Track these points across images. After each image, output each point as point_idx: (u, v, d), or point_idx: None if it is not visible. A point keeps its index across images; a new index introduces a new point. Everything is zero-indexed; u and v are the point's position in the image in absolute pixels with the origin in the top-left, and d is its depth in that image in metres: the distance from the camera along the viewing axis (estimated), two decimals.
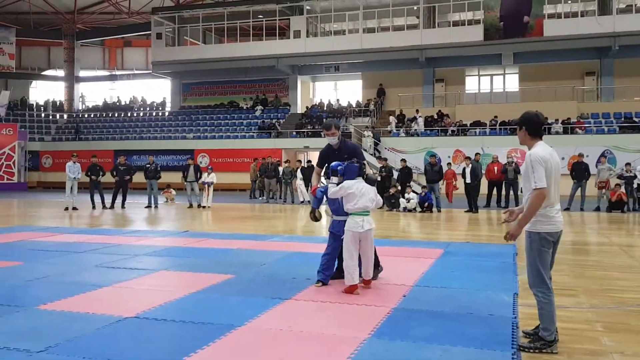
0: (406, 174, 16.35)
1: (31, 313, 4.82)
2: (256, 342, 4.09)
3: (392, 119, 26.57)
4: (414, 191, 16.09)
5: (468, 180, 15.34)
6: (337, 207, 5.78)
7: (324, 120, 27.57)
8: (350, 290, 5.54)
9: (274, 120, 28.90)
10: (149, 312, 4.85)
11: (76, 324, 4.48)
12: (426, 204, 15.18)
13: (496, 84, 29.11)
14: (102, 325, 4.44)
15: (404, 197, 15.56)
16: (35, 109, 35.36)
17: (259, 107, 30.72)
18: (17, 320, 4.60)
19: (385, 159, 17.84)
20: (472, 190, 15.23)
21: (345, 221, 5.62)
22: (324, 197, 5.82)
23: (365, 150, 23.89)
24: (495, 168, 16.33)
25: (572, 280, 6.35)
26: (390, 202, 15.69)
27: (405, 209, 15.31)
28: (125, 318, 4.66)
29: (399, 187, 16.09)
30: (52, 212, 15.40)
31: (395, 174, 17.73)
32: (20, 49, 37.79)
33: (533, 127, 4.11)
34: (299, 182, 18.66)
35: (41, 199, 21.09)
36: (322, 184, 5.78)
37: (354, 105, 29.43)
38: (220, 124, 30.49)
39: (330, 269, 5.94)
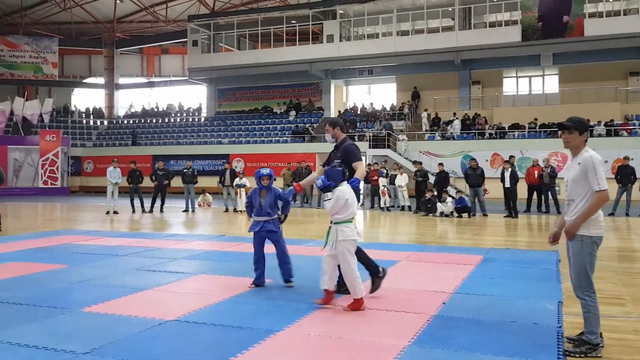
0: (443, 178, 16.14)
1: (76, 315, 4.94)
2: (296, 348, 4.08)
3: (424, 115, 26.25)
4: (450, 195, 15.86)
5: (507, 184, 15.05)
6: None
7: (357, 124, 27.64)
8: (359, 304, 5.12)
9: (307, 125, 28.99)
10: (189, 315, 4.90)
11: (119, 327, 4.56)
12: (458, 206, 14.96)
13: (535, 85, 28.53)
14: (144, 328, 4.51)
15: (440, 201, 15.36)
16: (77, 116, 36.37)
17: (293, 112, 30.88)
18: (62, 322, 4.72)
19: (420, 163, 17.65)
20: (511, 195, 14.93)
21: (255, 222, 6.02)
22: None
23: (400, 154, 23.76)
24: (536, 172, 15.98)
25: (620, 289, 6.14)
26: (427, 207, 15.51)
27: (442, 213, 15.12)
28: (166, 321, 4.72)
29: (435, 192, 15.89)
30: (93, 216, 15.78)
31: (432, 178, 17.52)
32: (63, 57, 38.92)
33: (586, 131, 4.11)
34: None
35: (83, 203, 21.64)
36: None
37: (388, 109, 29.29)
38: (255, 128, 30.77)
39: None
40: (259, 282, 6.14)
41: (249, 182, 17.43)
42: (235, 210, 16.98)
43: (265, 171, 6.27)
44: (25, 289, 5.93)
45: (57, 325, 4.60)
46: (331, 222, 5.25)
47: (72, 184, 30.69)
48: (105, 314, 4.97)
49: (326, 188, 5.16)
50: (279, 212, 6.33)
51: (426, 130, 25.96)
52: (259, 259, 6.19)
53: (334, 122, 5.95)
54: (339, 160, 5.62)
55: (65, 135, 30.65)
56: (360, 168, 5.61)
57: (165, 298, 5.62)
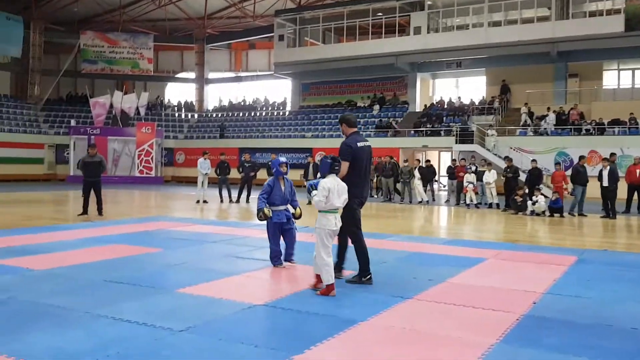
0: (536, 175, 15.46)
1: (171, 295, 5.23)
2: (379, 339, 4.10)
3: (523, 109, 25.19)
4: (542, 194, 15.18)
5: (605, 183, 14.20)
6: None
7: (444, 117, 27.06)
8: (328, 290, 5.29)
9: (391, 119, 28.75)
10: (276, 301, 5.06)
11: (211, 308, 4.79)
12: (552, 206, 14.29)
13: (639, 79, 26.63)
14: (234, 311, 4.71)
15: (531, 200, 14.75)
16: (170, 109, 38.17)
17: (377, 106, 30.72)
18: (160, 301, 5.01)
19: (511, 159, 16.97)
20: (609, 194, 14.08)
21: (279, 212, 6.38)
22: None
23: (489, 150, 23.03)
24: (637, 171, 14.96)
25: None
26: (517, 205, 14.95)
27: (533, 212, 14.52)
28: (255, 305, 4.90)
29: (527, 190, 15.27)
30: (184, 204, 16.55)
31: (523, 176, 16.85)
32: (157, 53, 40.90)
33: None
34: (417, 182, 18.39)
35: (175, 192, 22.72)
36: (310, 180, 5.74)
37: (477, 103, 28.43)
38: (338, 123, 30.82)
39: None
40: (279, 263, 6.57)
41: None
42: None
43: (283, 159, 6.60)
44: (125, 270, 6.36)
45: (155, 304, 4.90)
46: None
47: (165, 173, 32.27)
48: (198, 295, 5.23)
49: (311, 188, 5.44)
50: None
51: (522, 126, 24.90)
52: (277, 253, 6.59)
53: (342, 118, 6.15)
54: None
55: (159, 128, 32.24)
56: (342, 169, 5.61)
57: (254, 284, 5.82)
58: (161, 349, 3.73)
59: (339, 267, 5.94)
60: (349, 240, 5.96)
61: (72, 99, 37.33)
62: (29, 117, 33.39)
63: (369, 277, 5.83)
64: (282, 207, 6.49)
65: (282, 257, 6.62)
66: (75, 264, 6.58)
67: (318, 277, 5.47)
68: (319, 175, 6.79)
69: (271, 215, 6.41)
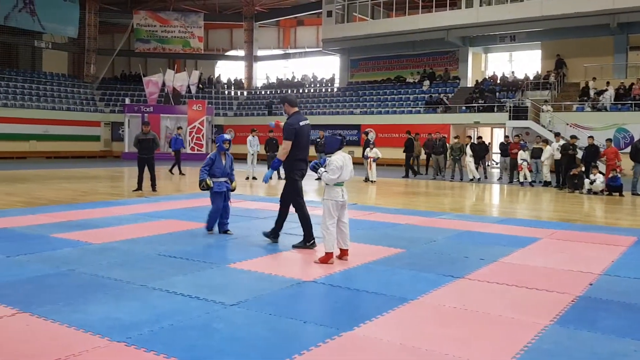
0: (592, 152, 14.86)
1: (223, 270, 5.34)
2: (431, 317, 4.06)
3: (591, 84, 24.10)
4: (600, 172, 14.60)
5: None
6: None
7: (496, 92, 26.29)
8: (327, 258, 5.57)
9: (442, 95, 28.17)
10: (325, 278, 5.08)
11: (261, 283, 4.86)
12: (611, 184, 13.71)
13: None
14: (284, 286, 4.77)
15: (588, 177, 14.22)
16: (220, 87, 38.63)
17: (427, 82, 30.13)
18: (212, 275, 5.13)
19: (575, 137, 16.23)
20: None
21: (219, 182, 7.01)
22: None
23: (544, 126, 22.27)
24: None
25: None
26: (573, 183, 14.45)
27: (589, 191, 14.01)
28: (305, 281, 4.94)
29: (583, 167, 14.72)
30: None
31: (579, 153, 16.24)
32: (207, 32, 41.29)
33: None
34: (469, 159, 18.01)
35: None
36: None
37: (531, 78, 27.45)
38: (387, 99, 30.53)
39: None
40: (211, 227, 7.24)
41: (380, 153, 17.44)
42: (366, 180, 17.10)
43: (227, 136, 7.29)
44: (177, 244, 6.52)
45: (206, 278, 5.01)
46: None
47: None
48: (248, 270, 5.32)
49: (314, 168, 5.76)
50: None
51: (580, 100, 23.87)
52: (218, 211, 7.13)
53: (283, 98, 6.57)
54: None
55: (210, 105, 32.70)
56: (282, 147, 6.24)
57: (303, 260, 5.86)
58: (213, 322, 3.81)
59: (276, 233, 6.61)
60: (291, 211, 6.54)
61: (126, 78, 38.33)
62: (85, 96, 34.50)
63: (312, 242, 6.35)
64: (222, 179, 7.17)
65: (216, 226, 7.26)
66: (130, 239, 6.80)
67: (341, 250, 5.78)
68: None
69: (212, 185, 7.06)
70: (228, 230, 7.25)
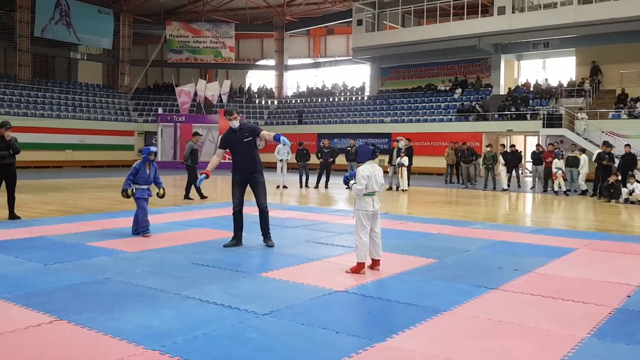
0: (630, 161, 14.49)
1: (255, 279, 5.37)
2: (464, 329, 4.01)
3: None
4: (638, 181, 14.21)
5: None
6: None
7: (529, 100, 25.89)
8: (358, 268, 5.58)
9: (474, 103, 27.88)
10: (357, 288, 5.06)
11: (293, 292, 4.87)
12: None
13: None
14: (315, 296, 4.77)
15: (625, 186, 13.87)
16: (250, 96, 39.03)
17: (459, 89, 29.87)
18: (244, 285, 5.16)
19: (611, 145, 15.84)
20: None
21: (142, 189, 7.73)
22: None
23: (579, 134, 21.82)
24: None
25: None
26: (609, 192, 14.11)
27: (627, 200, 13.65)
28: (336, 291, 4.93)
29: (619, 176, 14.36)
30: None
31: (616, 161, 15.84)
32: (239, 42, 41.81)
33: None
34: (501, 168, 17.75)
35: None
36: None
37: (565, 85, 26.95)
38: (418, 107, 30.36)
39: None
40: (141, 232, 7.71)
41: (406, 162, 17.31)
42: (397, 189, 17.00)
43: (153, 149, 8.02)
44: (210, 252, 6.60)
45: (239, 287, 5.05)
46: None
47: None
48: (280, 280, 5.34)
49: (346, 181, 5.80)
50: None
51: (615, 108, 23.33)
52: (144, 211, 7.73)
53: (238, 110, 7.43)
54: (250, 138, 7.01)
55: (241, 114, 32.99)
56: (265, 132, 7.05)
57: (334, 269, 5.85)
58: (246, 332, 3.83)
59: (238, 236, 7.15)
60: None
61: (159, 88, 39.08)
62: (119, 106, 35.27)
63: (236, 241, 7.08)
64: (145, 186, 7.83)
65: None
66: (164, 247, 6.90)
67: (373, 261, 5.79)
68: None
69: (134, 193, 7.70)
70: (148, 233, 7.72)
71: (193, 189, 13.01)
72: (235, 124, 7.11)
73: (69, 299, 4.59)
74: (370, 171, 5.63)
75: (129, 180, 7.71)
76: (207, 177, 7.13)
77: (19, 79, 31.75)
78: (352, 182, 5.72)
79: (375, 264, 5.79)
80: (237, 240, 7.12)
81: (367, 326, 4.12)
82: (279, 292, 4.91)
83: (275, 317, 4.15)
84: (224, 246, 6.98)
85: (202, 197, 13.11)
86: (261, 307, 4.35)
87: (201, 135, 13.43)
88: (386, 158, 19.35)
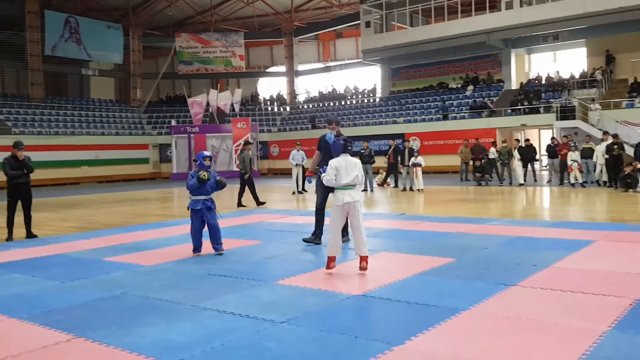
0: None
1: (271, 287, 5.36)
2: (484, 328, 3.97)
3: None
4: None
5: None
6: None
7: (542, 93, 25.62)
8: (327, 263, 5.76)
9: (485, 99, 27.68)
10: (375, 291, 5.03)
11: (310, 299, 4.86)
12: None
13: None
14: (333, 302, 4.75)
15: None
16: (262, 104, 39.18)
17: (470, 86, 29.69)
18: (260, 293, 5.15)
19: (616, 135, 15.72)
20: None
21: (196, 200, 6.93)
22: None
23: (593, 125, 21.54)
24: None
25: None
26: (626, 182, 13.91)
27: None
28: (354, 295, 4.91)
29: (638, 165, 14.15)
30: (281, 196, 16.92)
31: (630, 150, 15.62)
32: (248, 50, 42.05)
33: None
34: (517, 163, 17.58)
35: (272, 185, 23.32)
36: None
37: (577, 76, 26.65)
38: (430, 106, 30.24)
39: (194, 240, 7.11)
40: (199, 251, 7.10)
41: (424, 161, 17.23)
42: (410, 189, 16.92)
43: (207, 153, 7.10)
44: (227, 262, 6.61)
45: (256, 296, 5.04)
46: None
47: (262, 166, 33.20)
48: (297, 286, 5.33)
49: (321, 173, 5.95)
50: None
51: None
52: (198, 231, 7.08)
53: (339, 121, 7.52)
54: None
55: (254, 122, 33.17)
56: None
57: (351, 274, 5.82)
58: (264, 341, 3.82)
59: (317, 233, 7.50)
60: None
61: (171, 100, 39.40)
62: (133, 120, 35.63)
63: (314, 237, 7.47)
64: (201, 197, 7.10)
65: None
66: (181, 259, 6.93)
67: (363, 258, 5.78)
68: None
69: (209, 174, 7.02)
70: (221, 251, 7.03)
71: (248, 195, 13.61)
72: (333, 133, 7.23)
73: (86, 315, 4.61)
74: (340, 163, 5.74)
75: (192, 180, 6.87)
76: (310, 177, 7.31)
77: (32, 98, 32.23)
78: (323, 175, 5.87)
79: (360, 260, 5.74)
80: (315, 236, 7.42)
81: (386, 329, 4.10)
82: (296, 299, 4.90)
83: (293, 325, 4.14)
84: (303, 240, 7.43)
85: (259, 203, 13.51)
86: (278, 315, 4.34)
87: (252, 143, 13.68)
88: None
